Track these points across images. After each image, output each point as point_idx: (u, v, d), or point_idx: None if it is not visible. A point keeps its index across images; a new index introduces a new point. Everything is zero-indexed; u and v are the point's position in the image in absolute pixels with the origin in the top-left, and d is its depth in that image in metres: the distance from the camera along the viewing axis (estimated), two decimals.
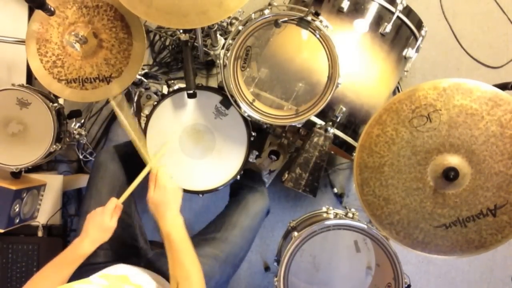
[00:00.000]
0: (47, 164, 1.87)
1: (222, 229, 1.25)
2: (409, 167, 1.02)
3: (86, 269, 1.04)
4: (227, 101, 1.29)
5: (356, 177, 1.06)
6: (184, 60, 1.27)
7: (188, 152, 1.36)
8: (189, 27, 1.09)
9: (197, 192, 1.35)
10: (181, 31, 1.33)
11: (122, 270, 1.08)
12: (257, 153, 1.38)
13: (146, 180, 1.20)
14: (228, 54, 1.17)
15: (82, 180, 1.82)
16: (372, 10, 1.29)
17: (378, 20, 1.29)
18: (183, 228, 1.04)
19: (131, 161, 1.38)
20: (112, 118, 1.91)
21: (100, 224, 1.06)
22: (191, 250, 1.01)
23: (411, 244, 1.06)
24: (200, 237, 1.26)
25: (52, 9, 1.14)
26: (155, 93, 1.68)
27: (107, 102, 1.88)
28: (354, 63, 1.28)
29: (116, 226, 1.20)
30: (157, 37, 1.88)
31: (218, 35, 1.52)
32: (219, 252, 1.20)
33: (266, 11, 1.15)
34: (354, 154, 1.34)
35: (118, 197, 1.13)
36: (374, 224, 1.09)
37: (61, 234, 1.65)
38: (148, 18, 1.07)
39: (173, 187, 1.08)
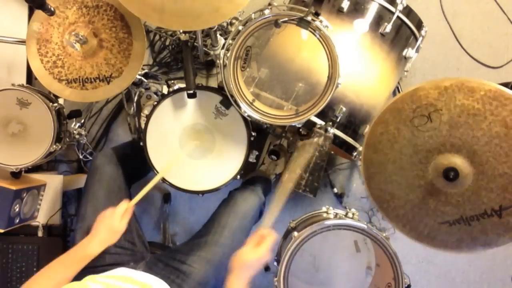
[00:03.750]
0: (47, 164, 1.87)
1: (212, 232, 1.23)
2: (411, 165, 1.02)
3: (82, 272, 1.04)
4: (227, 101, 1.29)
5: (363, 171, 1.07)
6: (184, 60, 1.27)
7: (188, 152, 1.36)
8: (204, 27, 1.08)
9: (197, 192, 1.35)
10: (181, 31, 1.33)
11: (124, 272, 1.09)
12: (257, 153, 1.38)
13: (148, 181, 1.20)
14: (228, 54, 1.17)
15: (82, 180, 1.82)
16: (372, 10, 1.29)
17: (378, 20, 1.29)
18: None
19: (129, 163, 1.38)
20: (112, 118, 1.91)
21: (110, 226, 1.07)
22: None
23: (417, 237, 1.06)
24: (194, 241, 1.25)
25: (52, 9, 1.15)
26: (155, 93, 1.68)
27: (107, 102, 1.89)
28: (354, 63, 1.28)
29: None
30: (157, 37, 1.88)
31: (218, 35, 1.52)
32: (211, 256, 1.18)
33: (266, 11, 1.15)
34: (354, 154, 1.34)
35: (116, 200, 1.13)
36: (382, 215, 1.09)
37: (61, 234, 1.65)
38: (163, 25, 1.07)
39: (264, 259, 1.01)
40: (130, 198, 1.37)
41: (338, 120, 1.26)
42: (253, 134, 1.34)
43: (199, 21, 1.05)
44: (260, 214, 1.39)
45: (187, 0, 1.02)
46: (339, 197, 1.89)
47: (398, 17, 1.29)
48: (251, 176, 1.69)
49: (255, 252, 1.00)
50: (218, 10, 1.03)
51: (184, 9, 1.03)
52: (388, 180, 1.04)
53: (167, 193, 1.89)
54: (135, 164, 1.40)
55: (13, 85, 1.35)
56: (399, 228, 1.07)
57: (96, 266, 1.13)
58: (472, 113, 0.95)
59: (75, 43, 1.19)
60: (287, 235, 1.44)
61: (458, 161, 0.98)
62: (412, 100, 0.99)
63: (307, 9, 1.10)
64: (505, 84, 1.28)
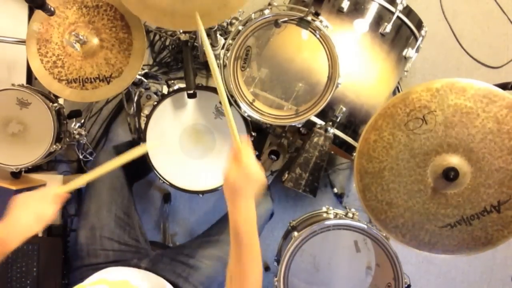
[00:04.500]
0: (47, 164, 1.87)
1: (226, 232, 1.23)
2: (408, 170, 1.02)
3: (86, 269, 1.03)
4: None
5: (357, 183, 1.06)
6: (184, 60, 1.27)
7: (188, 152, 1.36)
8: (216, 24, 1.08)
9: (197, 192, 1.35)
10: (181, 31, 1.33)
11: (121, 274, 1.07)
12: (257, 153, 1.38)
13: (148, 181, 1.20)
14: (228, 54, 1.17)
15: None
16: (372, 10, 1.29)
17: (378, 20, 1.29)
18: (254, 220, 0.85)
19: (131, 162, 1.38)
20: (112, 118, 1.91)
21: (34, 209, 0.85)
22: (257, 247, 0.85)
23: (417, 245, 1.06)
24: (204, 239, 1.26)
25: (52, 9, 1.14)
26: (155, 93, 1.68)
27: (107, 102, 1.89)
28: (354, 63, 1.28)
29: (116, 226, 1.19)
30: (157, 37, 1.88)
31: (218, 35, 1.52)
32: (223, 254, 1.19)
33: (266, 11, 1.15)
34: (354, 154, 1.34)
35: (118, 198, 1.12)
36: (380, 228, 1.08)
37: (61, 234, 1.65)
38: (175, 27, 1.09)
39: (258, 170, 0.83)
40: (132, 197, 1.37)
41: (338, 120, 1.26)
42: (253, 134, 1.34)
43: (210, 19, 1.05)
44: (270, 216, 1.38)
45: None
46: (339, 197, 1.89)
47: (398, 17, 1.29)
48: None
49: (241, 170, 0.81)
50: (227, 5, 1.03)
51: (193, 8, 1.03)
52: (385, 188, 1.04)
53: (167, 193, 1.89)
54: (136, 163, 1.41)
55: (13, 85, 1.35)
56: (399, 239, 1.07)
57: (99, 263, 1.12)
58: (465, 112, 0.97)
59: (75, 43, 1.19)
60: (287, 235, 1.44)
61: (456, 161, 0.98)
62: (405, 104, 1.00)
63: (307, 9, 1.11)
64: (505, 84, 1.28)
